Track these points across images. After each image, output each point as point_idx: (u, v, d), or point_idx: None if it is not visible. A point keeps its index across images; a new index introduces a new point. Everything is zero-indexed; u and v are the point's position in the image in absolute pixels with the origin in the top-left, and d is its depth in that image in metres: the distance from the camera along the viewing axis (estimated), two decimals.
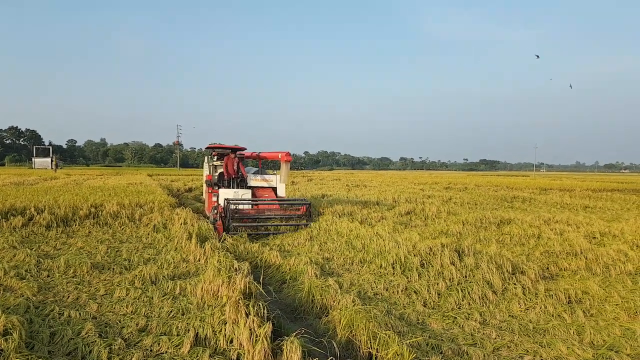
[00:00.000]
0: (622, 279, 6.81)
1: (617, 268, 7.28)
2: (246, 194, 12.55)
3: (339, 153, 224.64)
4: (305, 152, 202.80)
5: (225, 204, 10.94)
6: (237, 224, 10.61)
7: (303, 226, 11.08)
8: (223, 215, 10.82)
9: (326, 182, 35.29)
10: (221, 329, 4.42)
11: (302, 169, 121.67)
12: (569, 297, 6.01)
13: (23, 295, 5.44)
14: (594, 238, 9.59)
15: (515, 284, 6.36)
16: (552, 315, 5.48)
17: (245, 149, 14.35)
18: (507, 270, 6.72)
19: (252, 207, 11.93)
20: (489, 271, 6.53)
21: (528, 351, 4.47)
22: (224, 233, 9.96)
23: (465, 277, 6.57)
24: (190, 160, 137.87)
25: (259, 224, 11.29)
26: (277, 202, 12.29)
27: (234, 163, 13.25)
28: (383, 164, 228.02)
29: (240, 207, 11.45)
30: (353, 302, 5.29)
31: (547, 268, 7.50)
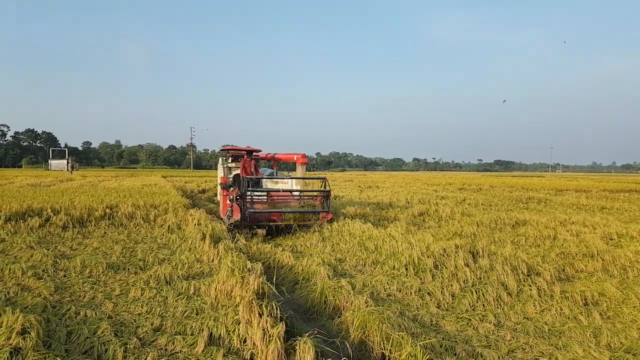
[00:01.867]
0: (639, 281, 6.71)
1: (635, 270, 7.18)
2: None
3: (351, 154, 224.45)
4: (317, 153, 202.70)
5: (243, 182, 10.81)
6: (253, 211, 10.52)
7: (324, 217, 10.98)
8: (239, 197, 10.76)
9: (338, 183, 35.28)
10: (235, 329, 4.45)
11: (314, 170, 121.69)
12: (585, 299, 5.93)
13: (40, 295, 5.52)
14: (611, 239, 9.46)
15: (530, 285, 6.30)
16: (568, 318, 5.42)
17: (260, 150, 14.38)
18: (522, 272, 6.66)
19: (267, 199, 11.85)
20: (504, 273, 6.47)
21: (543, 353, 4.43)
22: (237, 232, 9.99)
23: (480, 278, 6.52)
24: (204, 162, 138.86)
25: (275, 209, 11.14)
26: (296, 191, 12.24)
27: (251, 165, 13.30)
28: (396, 164, 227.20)
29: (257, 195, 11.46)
30: (366, 303, 5.28)
31: (563, 270, 7.41)
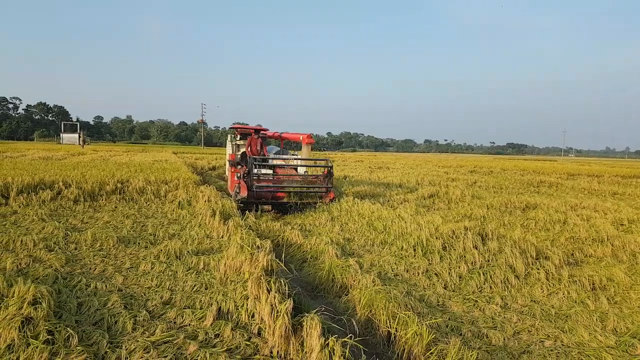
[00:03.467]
0: None
1: None
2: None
3: (362, 134, 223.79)
4: (328, 133, 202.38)
5: (251, 160, 11.04)
6: (259, 185, 10.72)
7: (325, 192, 11.25)
8: (246, 174, 10.92)
9: (348, 163, 35.23)
10: (243, 304, 4.50)
11: (324, 150, 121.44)
12: (593, 284, 5.91)
13: (52, 267, 5.60)
14: (622, 225, 9.38)
15: (538, 269, 6.28)
16: (575, 302, 5.41)
17: (267, 129, 14.45)
18: (530, 255, 6.64)
19: (273, 176, 11.96)
20: (512, 255, 6.45)
21: (549, 336, 4.44)
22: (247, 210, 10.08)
23: (488, 261, 6.52)
24: (214, 139, 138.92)
25: (281, 187, 11.33)
26: (300, 160, 12.40)
27: (257, 143, 13.37)
28: (407, 146, 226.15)
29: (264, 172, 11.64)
30: (373, 282, 5.31)
31: (572, 254, 7.38)
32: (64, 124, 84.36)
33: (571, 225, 9.15)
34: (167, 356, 3.55)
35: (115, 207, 10.33)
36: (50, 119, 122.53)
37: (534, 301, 5.46)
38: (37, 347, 3.40)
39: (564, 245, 7.98)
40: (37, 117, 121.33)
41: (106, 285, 5.05)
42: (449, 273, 6.13)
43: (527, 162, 53.76)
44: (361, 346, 3.72)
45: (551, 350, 4.13)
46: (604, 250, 7.50)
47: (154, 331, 3.94)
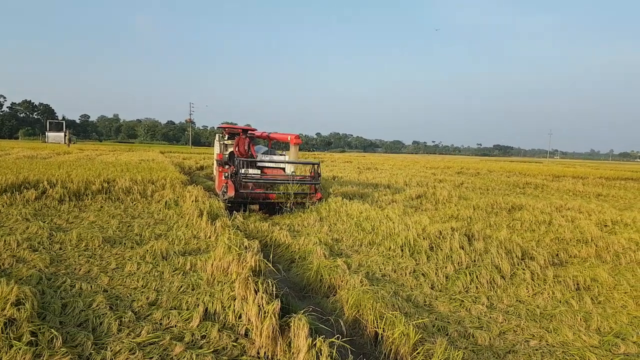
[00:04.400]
0: (632, 268, 6.77)
1: (628, 256, 7.24)
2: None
3: (351, 135, 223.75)
4: (317, 134, 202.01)
5: (238, 161, 11.04)
6: (245, 191, 10.70)
7: (313, 196, 11.24)
8: (234, 173, 10.88)
9: (337, 164, 35.26)
10: (230, 305, 4.48)
11: (313, 151, 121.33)
12: (578, 284, 5.99)
13: (35, 267, 5.53)
14: (606, 226, 9.52)
15: (524, 269, 6.34)
16: (560, 302, 5.47)
17: (255, 129, 14.46)
18: (516, 256, 6.70)
19: (260, 175, 11.94)
20: (498, 256, 6.51)
21: (534, 336, 4.48)
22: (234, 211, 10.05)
23: (474, 261, 6.56)
24: (202, 139, 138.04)
25: (267, 191, 11.25)
26: (286, 162, 12.42)
27: (245, 143, 13.33)
28: (395, 147, 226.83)
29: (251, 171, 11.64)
30: (361, 282, 5.32)
31: (557, 255, 7.47)
32: (49, 122, 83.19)
33: (556, 226, 9.26)
34: (153, 357, 3.52)
35: (101, 207, 10.23)
36: (36, 117, 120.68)
37: (520, 301, 5.51)
38: (20, 349, 3.36)
39: (549, 245, 8.07)
40: (22, 115, 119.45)
41: (91, 286, 5.00)
42: (435, 273, 6.16)
43: (513, 163, 54.28)
44: (348, 346, 3.73)
45: (536, 349, 4.17)
46: (588, 251, 7.59)
47: (140, 332, 3.91)
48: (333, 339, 3.64)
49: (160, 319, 4.26)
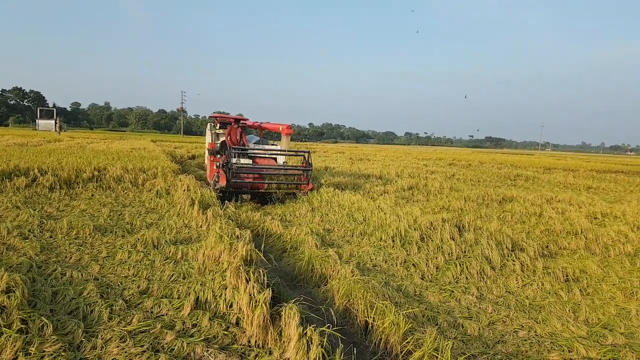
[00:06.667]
0: (620, 260, 6.85)
1: (617, 249, 7.31)
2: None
3: (344, 126, 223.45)
4: (310, 124, 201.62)
5: (230, 150, 10.96)
6: (236, 180, 10.67)
7: (304, 187, 11.24)
8: (226, 163, 10.86)
9: (330, 154, 35.26)
10: (221, 294, 4.49)
11: (305, 141, 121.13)
12: (567, 276, 6.05)
13: (26, 255, 5.50)
14: (595, 218, 9.60)
15: (514, 260, 6.40)
16: (549, 293, 5.53)
17: (247, 119, 14.42)
18: (506, 247, 6.75)
19: (252, 165, 11.88)
20: (489, 247, 6.55)
21: (523, 326, 4.53)
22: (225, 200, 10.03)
23: (465, 252, 6.61)
24: (194, 128, 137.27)
25: (258, 181, 11.25)
26: (278, 152, 12.33)
27: (237, 133, 13.28)
28: (388, 138, 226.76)
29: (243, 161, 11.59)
30: (352, 272, 5.34)
31: (547, 246, 7.53)
32: (40, 109, 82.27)
33: (546, 218, 9.33)
34: (143, 345, 3.52)
35: (92, 195, 10.17)
36: (26, 104, 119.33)
37: (509, 292, 5.56)
38: (10, 336, 3.35)
39: (539, 237, 8.14)
40: (12, 102, 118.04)
41: (82, 274, 4.98)
42: (426, 264, 6.20)
43: (505, 155, 54.51)
44: (339, 335, 3.75)
45: (525, 340, 4.21)
46: (578, 243, 7.67)
47: (131, 320, 3.90)
48: (324, 328, 3.66)
49: (151, 308, 4.25)
